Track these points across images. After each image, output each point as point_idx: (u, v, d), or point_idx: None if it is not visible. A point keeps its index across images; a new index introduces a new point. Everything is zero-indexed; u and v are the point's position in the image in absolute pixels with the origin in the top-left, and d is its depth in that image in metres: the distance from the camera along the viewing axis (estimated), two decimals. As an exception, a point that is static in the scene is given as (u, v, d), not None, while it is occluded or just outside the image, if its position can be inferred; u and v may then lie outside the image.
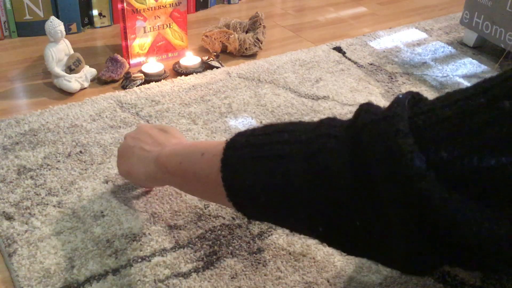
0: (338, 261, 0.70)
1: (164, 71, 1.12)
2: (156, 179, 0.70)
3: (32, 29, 1.26)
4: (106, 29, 1.35)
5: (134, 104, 1.01)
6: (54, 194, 0.78)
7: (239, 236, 0.73)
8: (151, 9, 1.12)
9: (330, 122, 0.51)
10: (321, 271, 0.68)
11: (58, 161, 0.85)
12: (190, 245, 0.71)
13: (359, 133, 0.45)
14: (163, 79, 1.11)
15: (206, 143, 0.63)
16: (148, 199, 0.78)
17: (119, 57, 1.11)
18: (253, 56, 1.24)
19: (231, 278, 0.66)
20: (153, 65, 1.12)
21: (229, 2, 1.56)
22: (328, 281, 0.67)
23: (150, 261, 0.68)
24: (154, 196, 0.79)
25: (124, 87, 1.07)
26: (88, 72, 1.08)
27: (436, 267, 0.44)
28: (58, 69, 1.04)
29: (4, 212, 0.74)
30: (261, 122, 0.98)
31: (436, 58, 1.29)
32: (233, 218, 0.76)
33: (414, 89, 1.12)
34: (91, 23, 1.34)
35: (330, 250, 0.71)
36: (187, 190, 0.69)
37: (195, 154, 0.60)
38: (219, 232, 0.73)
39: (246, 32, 1.26)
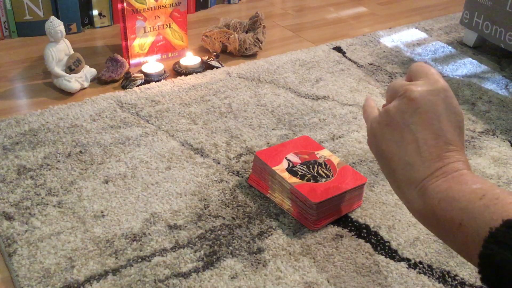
0: (338, 261, 0.70)
1: (164, 71, 1.12)
2: (403, 194, 0.54)
3: (32, 29, 1.26)
4: (106, 29, 1.35)
5: (134, 104, 1.01)
6: (54, 194, 0.78)
7: (239, 236, 0.73)
8: (151, 9, 1.12)
9: None
10: (321, 271, 0.68)
11: (58, 161, 0.85)
12: (190, 245, 0.71)
13: None
14: (163, 79, 1.11)
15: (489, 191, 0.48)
16: (148, 199, 0.78)
17: (119, 57, 1.11)
18: (253, 56, 1.24)
19: (231, 278, 0.66)
20: (153, 65, 1.12)
21: (229, 2, 1.56)
22: (328, 281, 0.67)
23: (150, 261, 0.68)
24: (154, 196, 0.79)
25: (124, 87, 1.07)
26: (88, 72, 1.08)
27: None
28: (58, 69, 1.04)
29: (4, 212, 0.74)
30: (261, 122, 0.98)
31: (436, 58, 1.29)
32: (233, 218, 0.76)
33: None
34: (91, 23, 1.34)
35: (330, 250, 0.71)
36: (431, 228, 0.53)
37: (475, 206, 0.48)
38: (219, 232, 0.73)
39: (246, 32, 1.26)
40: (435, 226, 0.51)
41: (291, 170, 0.78)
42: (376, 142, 0.56)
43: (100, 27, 1.35)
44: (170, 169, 0.84)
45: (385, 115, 0.55)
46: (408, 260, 0.71)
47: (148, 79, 1.09)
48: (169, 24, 1.17)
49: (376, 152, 0.57)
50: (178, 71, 1.14)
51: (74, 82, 1.04)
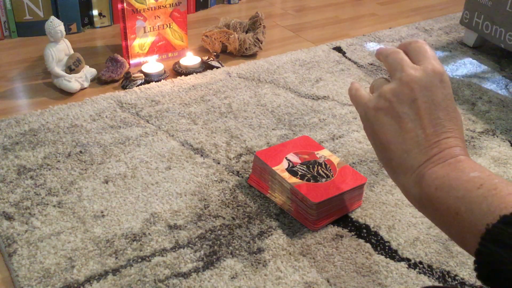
0: (338, 261, 0.70)
1: (164, 71, 1.12)
2: (400, 181, 0.54)
3: (32, 29, 1.26)
4: (106, 29, 1.35)
5: (134, 104, 1.01)
6: (54, 194, 0.78)
7: (239, 236, 0.73)
8: (151, 9, 1.12)
9: None
10: (321, 271, 0.68)
11: (58, 161, 0.85)
12: (190, 245, 0.71)
13: None
14: (163, 79, 1.11)
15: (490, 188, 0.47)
16: (148, 199, 0.78)
17: (119, 57, 1.11)
18: (253, 56, 1.24)
19: (231, 278, 0.66)
20: (153, 65, 1.12)
21: (229, 2, 1.56)
22: (328, 281, 0.67)
23: (150, 261, 0.68)
24: (154, 196, 0.79)
25: (124, 87, 1.07)
26: (88, 72, 1.08)
27: None
28: (58, 69, 1.04)
29: (4, 212, 0.74)
30: (261, 122, 0.98)
31: (436, 58, 1.29)
32: (233, 218, 0.76)
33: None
34: (91, 23, 1.34)
35: (330, 250, 0.71)
36: (427, 215, 0.53)
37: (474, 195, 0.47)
38: (219, 232, 0.73)
39: (246, 32, 1.26)
40: (432, 213, 0.51)
41: (291, 170, 0.78)
42: (372, 129, 0.55)
43: (100, 27, 1.35)
44: (170, 169, 0.84)
45: (381, 99, 0.54)
46: (408, 260, 0.71)
47: (148, 79, 1.09)
48: (169, 24, 1.17)
49: (372, 138, 0.56)
50: (178, 71, 1.14)
51: (74, 82, 1.04)
